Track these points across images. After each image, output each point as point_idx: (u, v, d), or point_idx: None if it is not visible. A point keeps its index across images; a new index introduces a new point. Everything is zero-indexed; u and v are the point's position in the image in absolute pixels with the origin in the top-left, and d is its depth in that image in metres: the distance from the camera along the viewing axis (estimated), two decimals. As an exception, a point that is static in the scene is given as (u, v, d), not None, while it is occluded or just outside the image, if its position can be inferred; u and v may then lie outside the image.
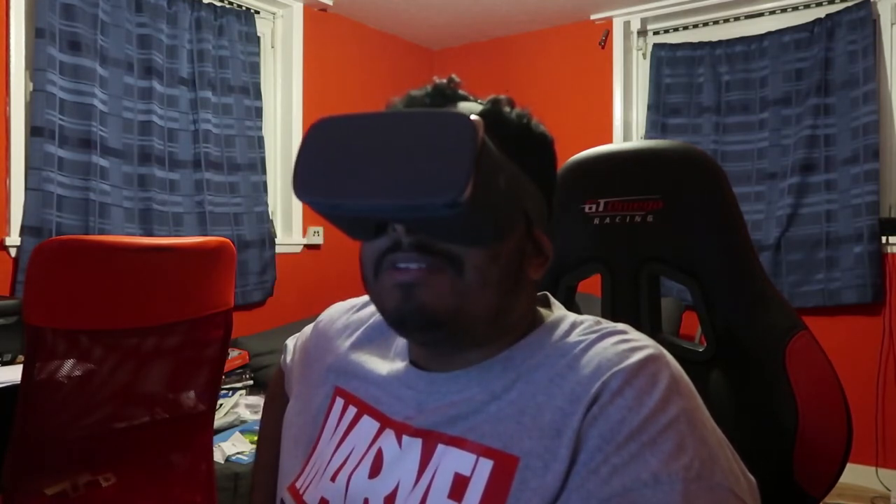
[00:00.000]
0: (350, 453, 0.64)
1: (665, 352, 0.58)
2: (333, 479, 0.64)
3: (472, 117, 0.50)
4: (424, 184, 0.48)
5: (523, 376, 0.59)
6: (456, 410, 0.59)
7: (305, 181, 0.53)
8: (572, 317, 0.65)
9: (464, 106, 0.64)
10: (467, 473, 0.56)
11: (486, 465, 0.55)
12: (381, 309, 0.61)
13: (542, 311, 0.68)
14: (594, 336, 0.60)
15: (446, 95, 0.65)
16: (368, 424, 0.65)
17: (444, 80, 0.66)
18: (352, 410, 0.68)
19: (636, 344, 0.58)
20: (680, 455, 0.51)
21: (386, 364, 0.69)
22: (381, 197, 0.50)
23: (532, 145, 0.65)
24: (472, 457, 0.56)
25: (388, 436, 0.62)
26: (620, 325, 0.62)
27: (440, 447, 0.58)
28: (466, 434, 0.58)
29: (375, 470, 0.61)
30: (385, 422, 0.64)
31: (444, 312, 0.57)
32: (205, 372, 1.62)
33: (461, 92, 0.66)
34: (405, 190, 0.49)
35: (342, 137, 0.52)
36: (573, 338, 0.61)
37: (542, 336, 0.63)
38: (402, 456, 0.60)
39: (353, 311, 0.80)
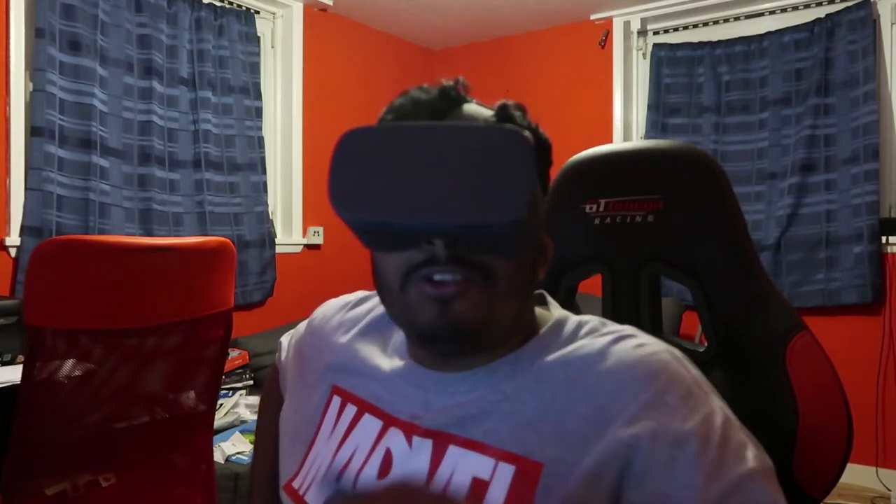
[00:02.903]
0: (354, 453, 0.64)
1: (678, 352, 0.60)
2: (338, 478, 0.63)
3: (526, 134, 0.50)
4: (485, 202, 0.48)
5: (535, 378, 0.60)
6: (465, 411, 0.59)
7: (345, 196, 0.50)
8: (575, 317, 0.66)
9: (471, 108, 0.64)
10: (486, 478, 0.56)
11: (506, 470, 0.55)
12: (408, 322, 0.60)
13: (540, 310, 0.68)
14: (608, 339, 0.61)
15: (451, 98, 0.65)
16: (370, 423, 0.65)
17: (451, 82, 0.65)
18: (351, 409, 0.68)
19: (652, 349, 0.60)
20: (745, 450, 0.55)
21: (385, 361, 0.68)
22: (437, 215, 0.48)
23: (541, 151, 0.65)
24: (491, 461, 0.56)
25: (396, 435, 0.62)
26: (628, 328, 0.63)
27: (453, 449, 0.58)
28: (484, 438, 0.58)
29: (384, 470, 0.61)
30: (388, 420, 0.63)
31: (476, 324, 0.57)
32: (205, 372, 1.62)
33: (466, 96, 0.66)
34: (464, 208, 0.48)
35: (379, 149, 0.50)
36: (584, 340, 0.62)
37: (548, 338, 0.63)
38: (413, 456, 0.60)
39: (347, 309, 0.79)
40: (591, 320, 0.65)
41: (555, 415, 0.57)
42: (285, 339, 0.89)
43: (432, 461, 0.59)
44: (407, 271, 0.58)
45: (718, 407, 0.57)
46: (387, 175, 0.50)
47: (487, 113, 0.64)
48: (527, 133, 0.49)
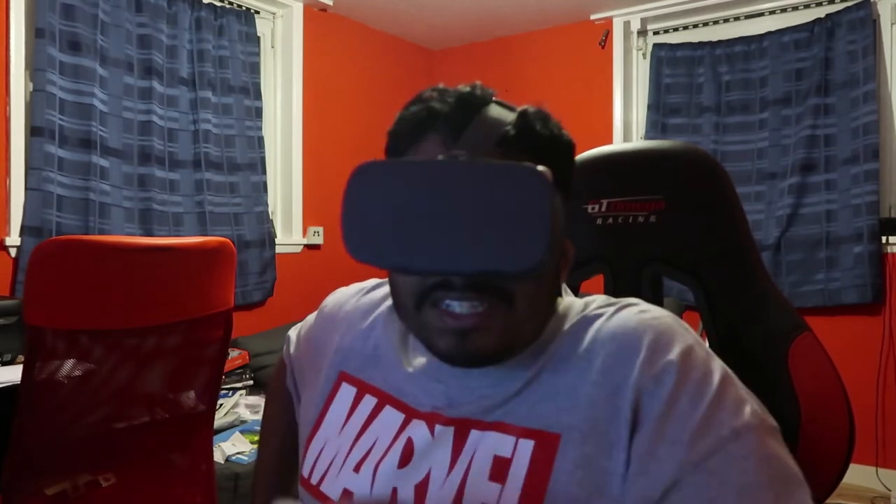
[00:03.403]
0: (374, 444, 0.64)
1: (681, 320, 0.61)
2: (357, 469, 0.63)
3: (540, 168, 0.48)
4: (502, 249, 0.47)
5: (551, 359, 0.60)
6: (490, 401, 0.60)
7: (359, 240, 0.49)
8: (583, 299, 0.67)
9: (493, 112, 0.61)
10: (508, 455, 0.56)
11: (527, 445, 0.56)
12: (425, 342, 0.61)
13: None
14: (613, 308, 0.62)
15: (470, 105, 0.61)
16: (391, 415, 0.64)
17: (468, 88, 0.63)
18: (370, 400, 0.67)
19: (656, 313, 0.60)
20: (742, 406, 0.54)
21: (407, 355, 0.68)
22: (453, 262, 0.47)
23: (562, 155, 0.65)
24: (512, 438, 0.57)
25: (419, 426, 0.62)
26: (632, 300, 0.64)
27: (474, 433, 0.59)
28: (504, 418, 0.58)
29: (405, 459, 0.61)
30: (411, 413, 0.63)
31: (497, 351, 0.58)
32: (205, 372, 1.62)
33: (488, 94, 0.63)
34: (481, 255, 0.47)
35: (392, 188, 0.48)
36: (591, 312, 0.63)
37: (562, 320, 0.64)
38: (435, 445, 0.60)
39: (361, 294, 0.78)
40: (598, 298, 0.66)
41: (568, 388, 0.58)
42: (293, 333, 0.88)
43: (454, 448, 0.59)
44: (422, 292, 0.57)
45: (719, 366, 0.57)
46: (401, 214, 0.48)
47: (511, 116, 0.62)
48: (541, 168, 0.47)
